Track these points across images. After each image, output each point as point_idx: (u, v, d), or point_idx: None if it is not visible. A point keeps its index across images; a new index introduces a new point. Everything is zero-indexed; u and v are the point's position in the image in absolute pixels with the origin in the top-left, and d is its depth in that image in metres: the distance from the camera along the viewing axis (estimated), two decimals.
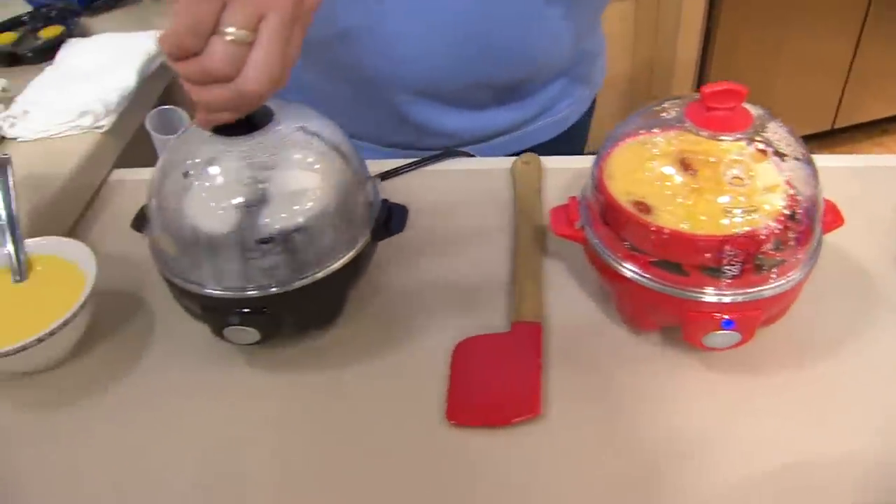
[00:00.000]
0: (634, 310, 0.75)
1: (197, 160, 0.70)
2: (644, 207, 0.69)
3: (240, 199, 0.68)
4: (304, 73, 1.00)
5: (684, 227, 0.67)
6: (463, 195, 0.95)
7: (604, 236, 0.73)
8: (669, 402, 0.72)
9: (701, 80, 2.56)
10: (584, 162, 0.98)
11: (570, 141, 1.18)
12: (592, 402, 0.72)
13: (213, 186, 0.70)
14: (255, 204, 0.68)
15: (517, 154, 1.03)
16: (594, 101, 1.22)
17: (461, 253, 0.87)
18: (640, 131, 0.75)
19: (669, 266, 0.69)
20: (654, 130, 0.73)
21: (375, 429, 0.71)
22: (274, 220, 0.68)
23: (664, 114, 0.73)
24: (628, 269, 0.71)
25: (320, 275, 0.71)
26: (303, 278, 0.70)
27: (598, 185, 0.73)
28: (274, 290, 0.70)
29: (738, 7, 2.40)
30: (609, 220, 0.72)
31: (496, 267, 0.85)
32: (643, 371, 0.74)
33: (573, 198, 0.77)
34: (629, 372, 0.74)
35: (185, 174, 0.70)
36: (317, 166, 0.72)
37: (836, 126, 2.92)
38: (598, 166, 0.74)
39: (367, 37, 0.95)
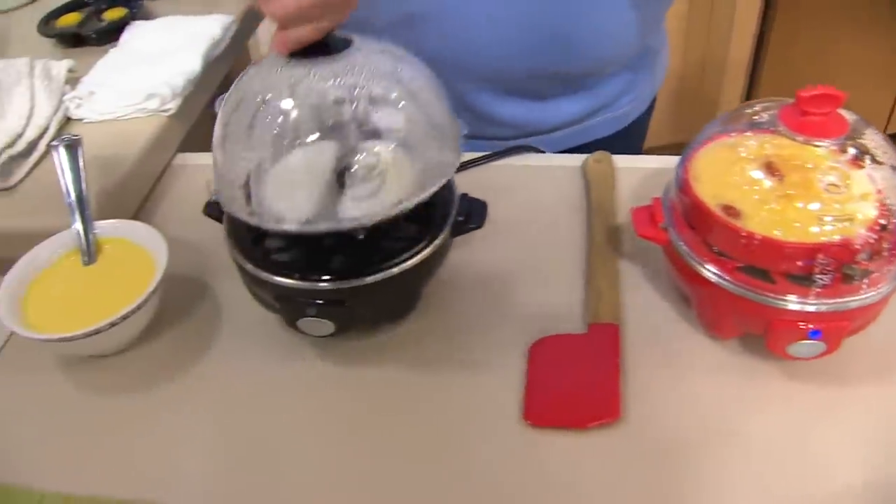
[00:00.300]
0: (716, 315, 0.73)
1: (279, 86, 0.68)
2: (733, 212, 0.68)
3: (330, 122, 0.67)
4: None
5: (777, 233, 0.64)
6: (533, 191, 0.94)
7: (688, 239, 0.71)
8: (747, 410, 0.70)
9: (752, 81, 2.52)
10: (652, 161, 0.97)
11: (629, 138, 1.16)
12: (669, 407, 0.70)
13: (300, 111, 0.68)
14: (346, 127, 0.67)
15: (576, 148, 1.02)
16: (654, 99, 1.20)
17: (533, 250, 0.86)
18: (730, 133, 0.73)
19: (756, 272, 0.67)
20: (747, 133, 0.71)
21: (449, 426, 0.70)
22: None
23: (756, 117, 0.72)
24: (713, 274, 0.69)
25: (398, 269, 0.69)
26: (381, 271, 0.69)
27: (684, 186, 0.71)
28: (352, 282, 0.68)
29: (792, 9, 2.36)
30: (694, 223, 0.71)
31: (569, 265, 0.84)
32: (721, 378, 0.72)
33: (656, 198, 0.75)
34: (707, 378, 0.72)
35: (264, 101, 0.68)
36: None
37: (889, 132, 2.88)
38: (684, 167, 0.73)
39: (435, 21, 0.94)
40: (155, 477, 0.69)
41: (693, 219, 0.71)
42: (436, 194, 0.72)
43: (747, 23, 2.37)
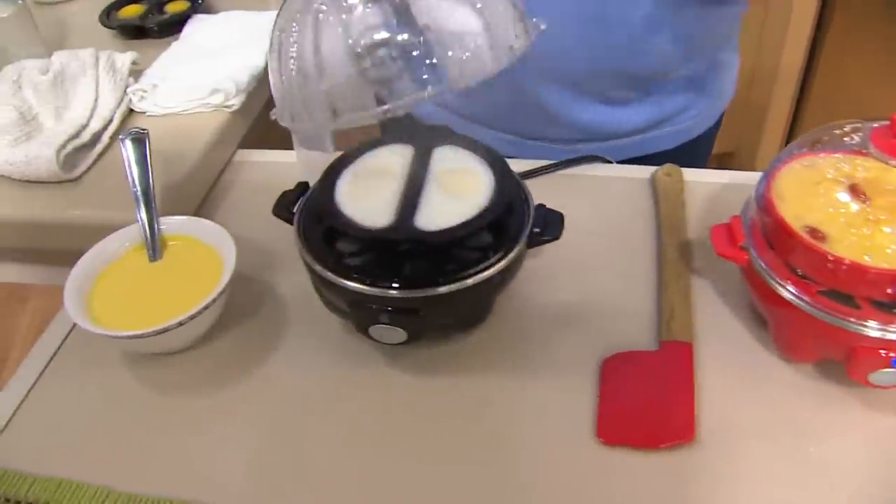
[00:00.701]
0: (794, 338, 0.72)
1: None
2: (818, 234, 0.66)
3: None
4: None
5: (867, 259, 0.63)
6: (602, 202, 0.93)
7: (768, 259, 0.70)
8: (823, 436, 0.68)
9: (803, 91, 2.49)
10: (722, 176, 0.96)
11: (693, 152, 1.14)
12: (742, 429, 0.69)
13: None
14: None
15: (640, 159, 1.00)
16: (721, 116, 1.18)
17: (604, 263, 0.84)
18: (817, 153, 0.71)
19: (840, 297, 0.66)
20: (834, 154, 0.70)
21: (519, 439, 0.69)
22: None
23: (846, 138, 0.70)
24: (793, 296, 0.68)
25: (473, 280, 0.68)
26: (457, 281, 0.67)
27: (767, 206, 0.69)
28: (426, 291, 0.67)
29: (848, 19, 2.32)
30: (776, 244, 0.69)
31: (641, 280, 0.83)
32: (796, 402, 0.71)
33: (735, 216, 0.74)
34: (781, 402, 0.71)
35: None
36: None
37: None
38: (766, 186, 0.71)
39: None
40: (215, 479, 0.68)
41: (775, 239, 0.69)
42: (512, 204, 0.71)
43: (801, 31, 2.33)
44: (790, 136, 2.56)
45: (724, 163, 2.77)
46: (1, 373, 2.35)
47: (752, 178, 0.90)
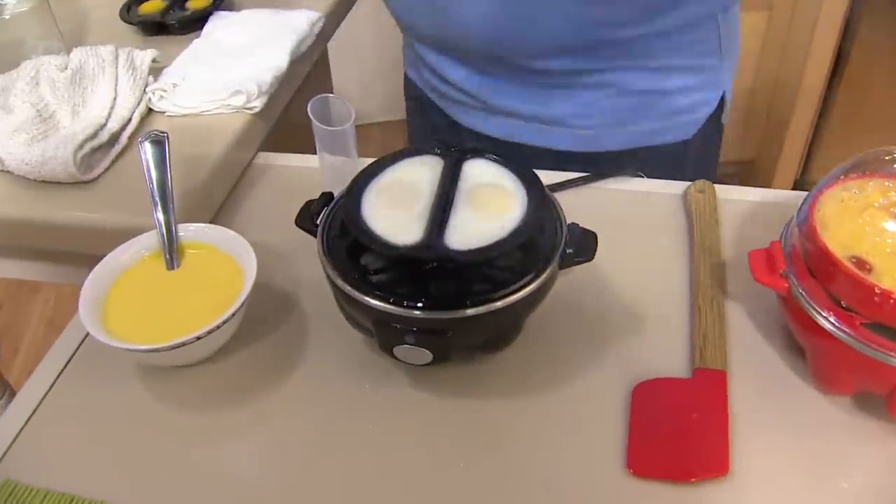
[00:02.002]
0: (833, 371, 0.69)
1: None
2: (864, 265, 0.63)
3: None
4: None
5: None
6: (631, 218, 0.90)
7: (809, 288, 0.67)
8: (859, 472, 0.66)
9: (826, 103, 2.46)
10: (753, 194, 0.93)
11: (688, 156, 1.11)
12: (776, 462, 0.66)
13: None
14: None
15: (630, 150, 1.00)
16: (719, 122, 1.14)
17: (634, 283, 0.82)
18: (864, 178, 0.69)
19: (885, 331, 0.63)
20: (883, 180, 0.67)
21: (545, 466, 0.67)
22: None
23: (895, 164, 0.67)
24: (835, 328, 0.65)
25: (502, 303, 0.66)
26: (486, 302, 0.65)
27: (810, 233, 0.67)
28: (455, 312, 0.65)
29: (874, 33, 2.29)
30: (818, 273, 0.67)
31: (672, 302, 0.80)
32: (833, 435, 0.68)
33: (775, 242, 0.71)
34: (817, 435, 0.68)
35: None
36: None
37: None
38: (809, 211, 0.68)
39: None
40: (228, 500, 0.66)
41: (817, 268, 0.67)
42: (545, 223, 0.69)
43: (826, 43, 2.30)
44: (812, 145, 2.53)
45: (743, 171, 2.74)
46: (13, 362, 2.35)
47: (786, 196, 0.88)
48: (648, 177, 0.96)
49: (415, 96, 1.22)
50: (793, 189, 2.51)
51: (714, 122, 1.12)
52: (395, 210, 0.69)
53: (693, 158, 1.12)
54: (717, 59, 1.05)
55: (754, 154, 2.68)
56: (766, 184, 2.59)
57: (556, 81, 1.01)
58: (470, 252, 0.64)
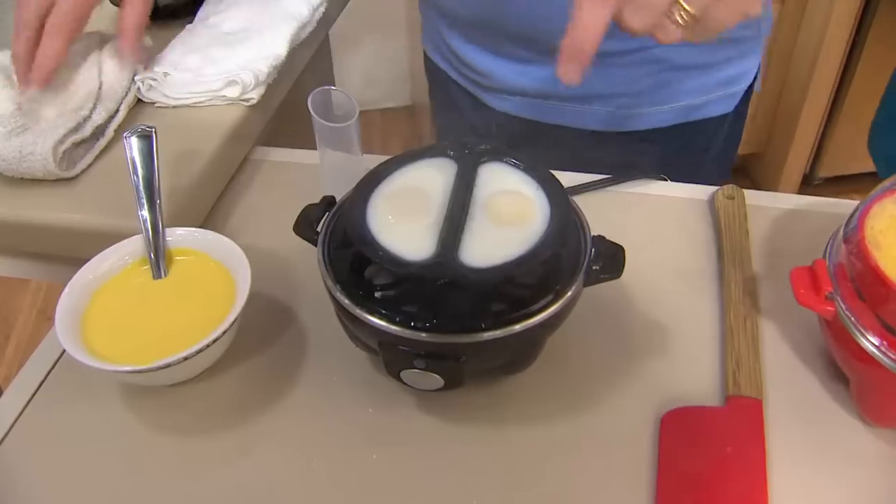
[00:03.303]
0: (881, 402, 0.64)
1: None
2: None
3: None
4: None
5: None
6: (655, 225, 0.84)
7: (858, 312, 0.61)
8: None
9: (836, 103, 2.40)
10: (784, 201, 0.87)
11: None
12: (816, 500, 0.61)
13: None
14: None
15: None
16: (743, 118, 1.09)
17: (661, 298, 0.76)
18: None
19: None
20: None
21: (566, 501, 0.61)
22: None
23: None
24: (885, 357, 0.59)
25: (520, 326, 0.59)
26: (503, 326, 0.59)
27: (861, 252, 0.61)
28: (469, 336, 0.59)
29: (887, 29, 2.24)
30: (867, 295, 0.61)
31: (702, 320, 0.74)
32: (879, 472, 0.63)
33: (820, 260, 0.65)
34: (862, 471, 0.63)
35: None
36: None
37: None
38: (858, 226, 0.62)
39: None
40: None
41: (867, 290, 0.61)
42: (568, 236, 0.62)
43: (837, 42, 2.25)
44: (822, 140, 2.48)
45: (751, 164, 2.70)
46: (4, 351, 2.29)
47: (821, 204, 0.83)
48: (677, 155, 0.93)
49: (437, 78, 1.17)
50: (802, 184, 2.48)
51: (749, 94, 1.07)
52: (405, 220, 0.63)
53: (723, 138, 1.08)
54: (756, 27, 1.00)
55: (763, 147, 2.63)
56: (774, 178, 2.54)
57: (597, 61, 0.95)
58: (488, 270, 0.58)
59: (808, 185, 2.65)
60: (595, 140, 1.03)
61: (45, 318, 2.49)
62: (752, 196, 0.86)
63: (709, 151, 1.06)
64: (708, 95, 1.02)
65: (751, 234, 0.81)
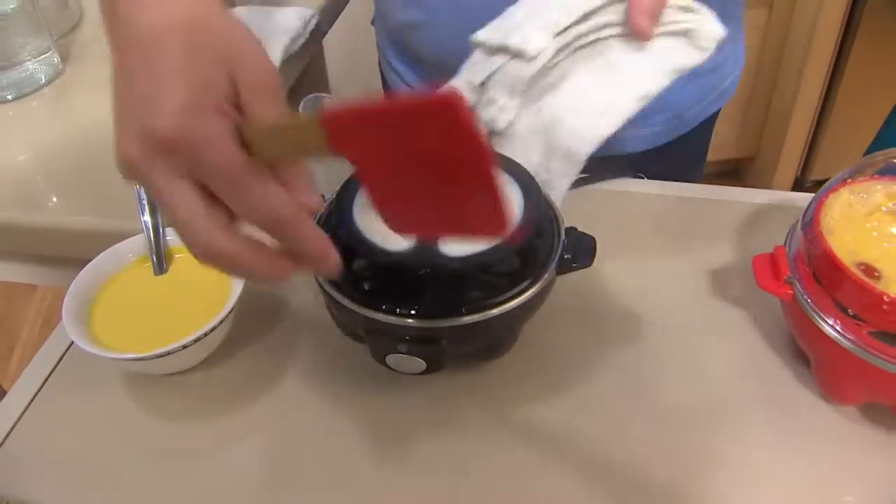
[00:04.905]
0: (839, 381, 0.68)
1: None
2: (871, 272, 0.61)
3: None
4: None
5: None
6: (628, 221, 0.89)
7: (815, 296, 0.65)
8: (863, 484, 0.64)
9: (826, 103, 2.44)
10: (758, 196, 0.91)
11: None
12: (781, 474, 0.65)
13: None
14: None
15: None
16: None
17: (634, 285, 0.80)
18: (870, 181, 0.67)
19: (892, 339, 0.61)
20: (889, 182, 0.65)
21: (541, 477, 0.66)
22: None
23: None
24: (841, 337, 0.63)
25: (498, 310, 0.64)
26: (481, 310, 0.63)
27: (816, 238, 0.65)
28: (449, 320, 0.63)
29: (875, 29, 2.28)
30: (823, 279, 0.65)
31: (671, 308, 0.78)
32: (838, 447, 0.66)
33: (780, 247, 0.69)
34: (822, 446, 0.67)
35: None
36: None
37: None
38: (814, 215, 0.66)
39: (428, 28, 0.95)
40: None
41: (823, 274, 0.65)
42: (541, 227, 0.67)
43: (827, 37, 2.29)
44: (813, 143, 2.52)
45: (743, 168, 2.73)
46: (9, 360, 2.32)
47: (791, 198, 0.87)
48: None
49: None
50: (794, 187, 2.52)
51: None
52: None
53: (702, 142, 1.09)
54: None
55: (755, 152, 2.67)
56: (766, 181, 2.58)
57: None
58: (465, 259, 0.62)
59: (800, 187, 2.69)
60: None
61: (50, 327, 2.49)
62: (725, 192, 0.91)
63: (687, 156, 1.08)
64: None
65: (725, 228, 0.85)
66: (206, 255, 0.48)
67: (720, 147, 2.63)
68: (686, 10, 0.73)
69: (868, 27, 2.28)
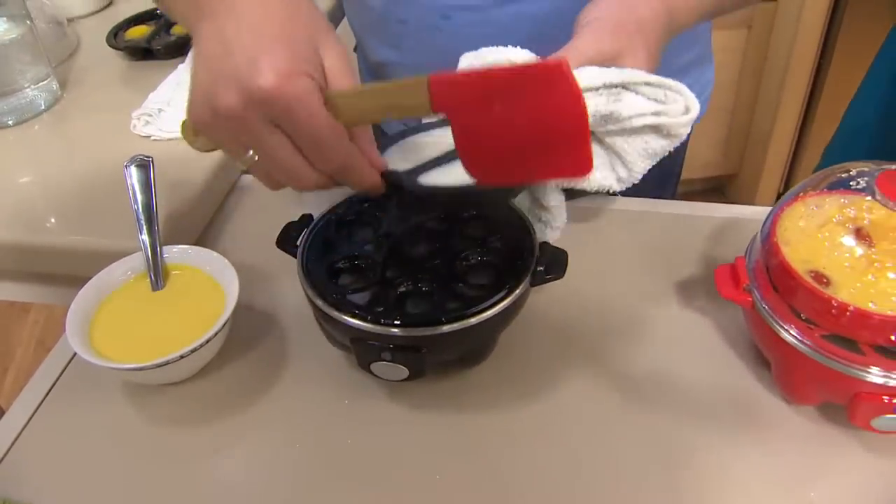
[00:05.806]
0: (796, 382, 0.72)
1: None
2: (822, 279, 0.66)
3: None
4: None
5: (872, 306, 0.63)
6: (601, 235, 0.94)
7: (772, 302, 0.70)
8: (823, 480, 0.68)
9: (806, 119, 2.49)
10: (726, 210, 0.95)
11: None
12: (742, 471, 0.69)
13: None
14: None
15: None
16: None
17: (607, 296, 0.85)
18: (823, 195, 0.71)
19: (844, 342, 0.66)
20: (839, 197, 0.70)
21: (520, 479, 0.69)
22: None
23: (852, 182, 0.70)
24: (797, 340, 0.68)
25: (476, 319, 0.68)
26: (460, 319, 0.68)
27: (772, 248, 0.69)
28: (429, 329, 0.68)
29: (853, 47, 2.33)
30: (780, 287, 0.69)
31: (642, 314, 0.82)
32: (798, 445, 0.70)
33: (740, 258, 0.73)
34: (783, 444, 0.71)
35: None
36: None
37: None
38: (771, 227, 0.71)
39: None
40: None
41: (779, 282, 0.69)
42: (516, 241, 0.71)
43: (806, 54, 2.34)
44: (794, 159, 2.56)
45: (725, 186, 2.77)
46: (3, 382, 2.33)
47: (754, 212, 0.91)
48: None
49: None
50: (777, 202, 2.56)
51: None
52: None
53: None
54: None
55: (737, 169, 2.71)
56: (749, 198, 2.62)
57: None
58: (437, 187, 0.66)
59: None
60: None
61: (44, 349, 2.53)
62: (692, 206, 0.96)
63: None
64: None
65: (693, 241, 0.90)
66: (306, 180, 0.61)
67: (704, 165, 2.70)
68: (655, 90, 0.72)
69: (845, 46, 2.33)
